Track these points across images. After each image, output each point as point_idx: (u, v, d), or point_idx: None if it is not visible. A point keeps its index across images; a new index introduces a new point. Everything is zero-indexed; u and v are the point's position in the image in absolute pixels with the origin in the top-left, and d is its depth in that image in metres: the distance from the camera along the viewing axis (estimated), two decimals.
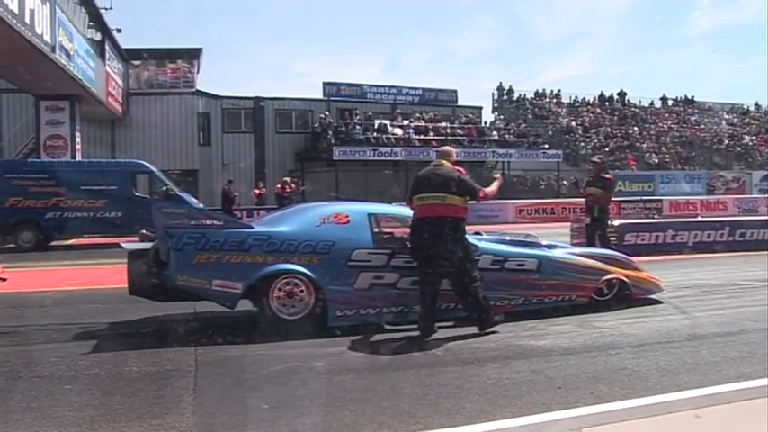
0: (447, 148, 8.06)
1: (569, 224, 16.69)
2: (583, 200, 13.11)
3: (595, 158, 14.54)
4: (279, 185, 25.80)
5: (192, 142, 31.91)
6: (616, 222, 15.32)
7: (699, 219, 21.53)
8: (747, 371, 5.55)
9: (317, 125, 33.63)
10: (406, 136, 33.34)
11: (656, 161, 39.83)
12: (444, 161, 7.39)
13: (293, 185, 26.21)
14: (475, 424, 3.70)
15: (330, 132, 32.12)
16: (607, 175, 12.72)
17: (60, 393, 5.13)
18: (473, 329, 7.10)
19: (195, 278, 7.03)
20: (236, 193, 25.68)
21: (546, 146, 36.85)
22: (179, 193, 20.87)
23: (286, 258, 7.17)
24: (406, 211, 7.67)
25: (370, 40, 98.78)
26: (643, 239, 15.21)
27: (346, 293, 7.30)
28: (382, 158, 32.13)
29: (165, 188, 20.53)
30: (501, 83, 45.90)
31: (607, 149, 39.85)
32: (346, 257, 7.32)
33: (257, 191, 27.31)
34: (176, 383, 5.43)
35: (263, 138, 34.09)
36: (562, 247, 8.92)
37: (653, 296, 8.78)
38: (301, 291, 7.21)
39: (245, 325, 7.49)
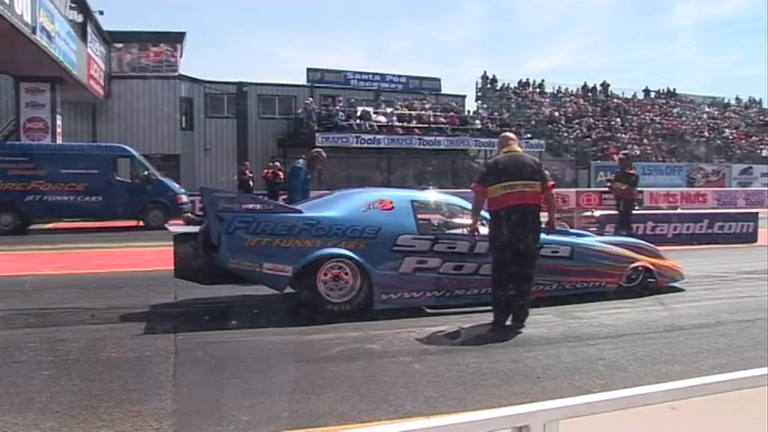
0: (510, 133, 7.95)
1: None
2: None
3: (620, 155, 14.98)
4: (270, 170, 25.62)
5: (174, 127, 31.63)
6: (597, 213, 15.43)
7: (678, 210, 21.73)
8: (723, 362, 5.64)
9: (300, 111, 33.42)
10: (389, 123, 33.26)
11: (638, 153, 40.03)
12: (516, 146, 7.32)
13: (280, 172, 26.08)
14: (452, 414, 3.72)
15: (313, 118, 31.98)
16: (632, 171, 13.39)
17: (39, 379, 5.11)
18: (453, 318, 7.15)
19: (246, 261, 7.19)
20: (251, 174, 25.50)
21: (529, 135, 36.85)
22: (161, 178, 20.81)
23: (334, 243, 7.36)
24: (448, 198, 7.87)
25: (356, 27, 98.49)
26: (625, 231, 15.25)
27: (391, 277, 7.51)
28: (365, 145, 32.05)
29: (146, 172, 20.49)
30: (485, 72, 45.89)
31: (589, 140, 40.05)
32: (392, 242, 7.51)
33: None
34: (156, 369, 5.42)
35: (245, 123, 33.83)
36: (587, 236, 9.24)
37: (675, 284, 9.07)
38: (346, 274, 7.41)
39: (225, 312, 7.49)
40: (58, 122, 23.71)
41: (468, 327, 6.92)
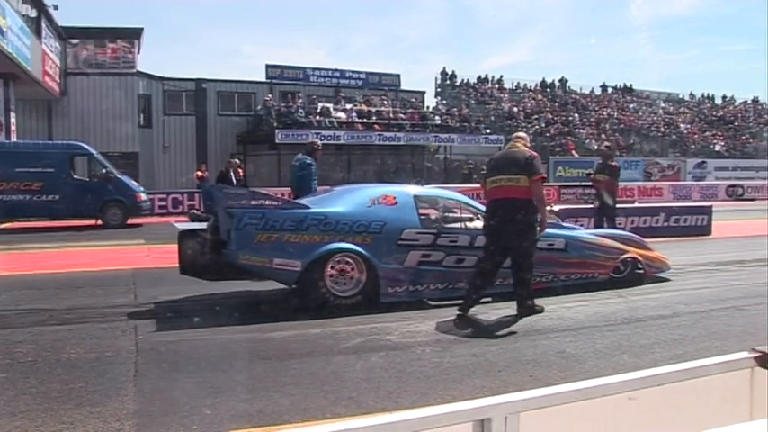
0: (521, 132, 8.13)
1: None
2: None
3: (602, 147, 15.22)
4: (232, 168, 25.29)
5: (132, 124, 31.17)
6: (556, 208, 15.56)
7: (636, 204, 22.06)
8: (679, 353, 5.76)
9: (259, 108, 33.21)
10: (349, 120, 33.20)
11: (596, 147, 40.47)
12: (519, 144, 7.49)
13: (240, 169, 25.83)
14: (414, 408, 3.75)
15: (273, 115, 31.78)
16: (613, 163, 13.53)
17: None
18: (414, 313, 7.20)
19: (256, 257, 7.27)
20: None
21: (488, 131, 37.09)
22: (119, 176, 20.55)
23: (341, 238, 7.48)
24: (447, 193, 8.01)
25: (318, 24, 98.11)
26: (582, 224, 15.45)
27: (397, 271, 7.67)
28: (325, 142, 31.65)
29: (104, 171, 20.21)
30: (444, 68, 46.01)
31: (548, 135, 40.42)
32: (397, 237, 7.68)
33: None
34: (117, 370, 5.37)
35: (204, 120, 33.52)
36: (578, 229, 9.60)
37: (661, 274, 9.40)
38: (351, 269, 7.54)
39: (186, 310, 7.44)
40: (12, 120, 23.26)
41: (429, 322, 6.96)
